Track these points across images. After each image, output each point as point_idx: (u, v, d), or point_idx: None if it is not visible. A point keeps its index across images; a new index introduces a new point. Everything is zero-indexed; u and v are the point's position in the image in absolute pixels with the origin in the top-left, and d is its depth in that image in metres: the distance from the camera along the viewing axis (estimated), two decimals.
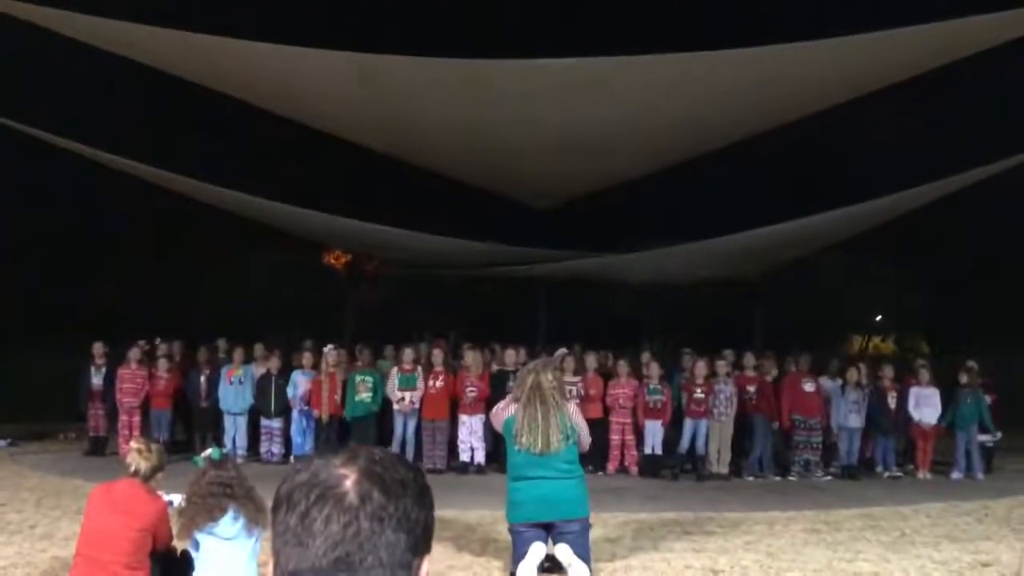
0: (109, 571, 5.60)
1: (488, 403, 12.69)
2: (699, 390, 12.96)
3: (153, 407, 13.60)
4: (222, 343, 14.94)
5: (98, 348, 13.93)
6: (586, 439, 7.56)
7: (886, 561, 7.83)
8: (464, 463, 12.99)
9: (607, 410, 13.04)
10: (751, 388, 13.28)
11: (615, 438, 13.01)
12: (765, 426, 13.26)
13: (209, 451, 6.11)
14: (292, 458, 13.18)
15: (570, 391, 12.35)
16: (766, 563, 7.72)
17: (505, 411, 7.52)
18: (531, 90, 12.76)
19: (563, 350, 14.33)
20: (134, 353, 13.67)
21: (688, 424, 12.95)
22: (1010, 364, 16.18)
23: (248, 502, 5.75)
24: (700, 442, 12.94)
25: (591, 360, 13.54)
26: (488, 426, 12.71)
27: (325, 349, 13.51)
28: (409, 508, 1.27)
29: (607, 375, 13.48)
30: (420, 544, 1.28)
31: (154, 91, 18.60)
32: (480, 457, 12.98)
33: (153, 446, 6.12)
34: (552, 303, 21.74)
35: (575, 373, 13.15)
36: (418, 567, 1.28)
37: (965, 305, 24.34)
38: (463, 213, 20.40)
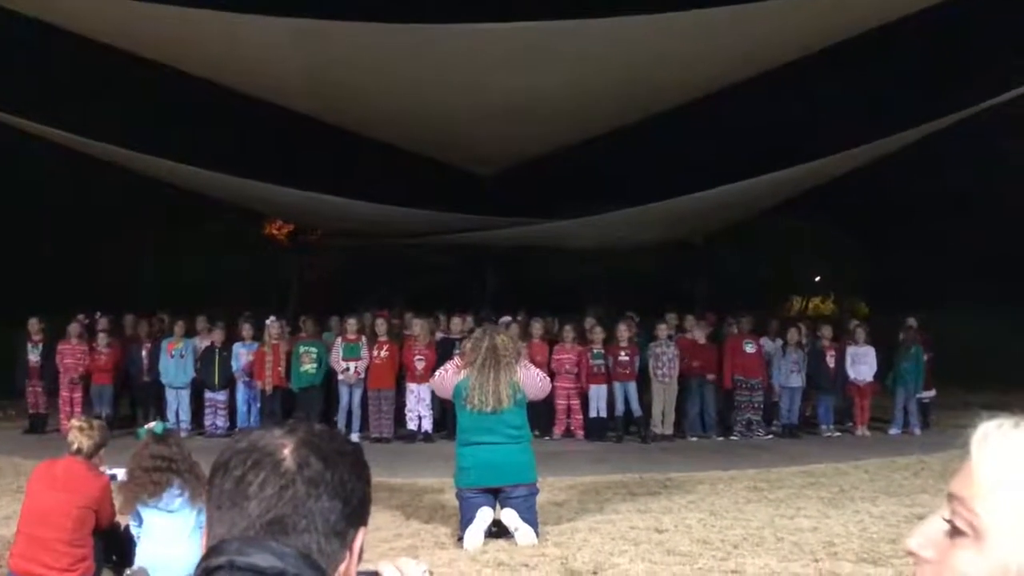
0: (51, 549, 5.55)
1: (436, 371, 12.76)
2: (623, 353, 13.11)
3: (94, 382, 13.42)
4: (165, 317, 14.77)
5: (34, 324, 13.65)
6: (542, 384, 7.76)
7: (826, 517, 8.01)
8: (411, 431, 13.01)
9: (552, 375, 13.13)
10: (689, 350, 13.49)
11: (561, 403, 13.11)
12: (703, 387, 13.47)
13: (152, 424, 6.07)
14: (237, 430, 13.11)
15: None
16: (709, 521, 7.85)
17: (456, 376, 7.56)
18: (473, 55, 12.69)
19: (507, 318, 14.40)
20: (74, 328, 13.46)
21: (617, 387, 13.11)
22: (943, 322, 16.52)
23: (191, 477, 5.73)
24: (634, 404, 13.12)
25: (537, 327, 13.61)
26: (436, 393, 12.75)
27: (267, 321, 13.41)
28: (346, 477, 1.28)
29: (552, 341, 13.57)
30: (356, 515, 1.29)
31: (83, 59, 18.17)
32: (427, 425, 13.01)
33: (95, 423, 6.06)
34: (497, 270, 21.75)
35: (520, 340, 13.20)
36: (353, 538, 1.29)
37: (900, 265, 24.78)
38: (406, 181, 20.26)
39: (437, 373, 8.00)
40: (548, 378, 8.23)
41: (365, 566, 1.36)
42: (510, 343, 7.70)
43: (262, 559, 1.18)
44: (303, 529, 1.23)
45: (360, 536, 1.30)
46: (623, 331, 13.27)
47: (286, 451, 1.26)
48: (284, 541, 1.21)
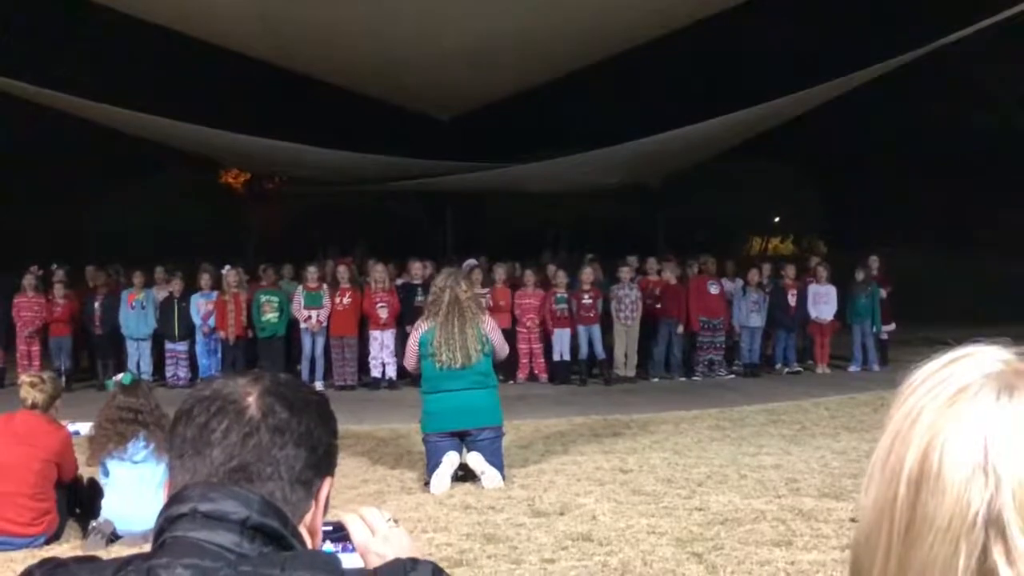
0: (14, 503, 5.50)
1: (399, 317, 12.78)
2: (586, 296, 13.15)
3: (52, 334, 13.26)
4: (119, 268, 14.57)
5: None
6: (501, 350, 7.67)
7: (788, 453, 8.11)
8: (375, 379, 12.99)
9: (515, 320, 13.17)
10: (655, 292, 13.54)
11: (523, 347, 13.16)
12: (667, 328, 13.54)
13: (120, 376, 6.02)
14: (198, 381, 13.06)
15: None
16: (673, 460, 7.93)
17: (419, 330, 7.51)
18: None
19: (472, 261, 14.36)
20: (28, 280, 13.26)
21: (581, 331, 13.15)
22: (900, 258, 16.72)
23: (157, 429, 5.69)
24: (598, 347, 13.18)
25: (500, 271, 13.60)
26: (399, 339, 12.71)
27: (223, 270, 13.28)
28: (312, 426, 1.25)
29: (515, 286, 13.58)
30: (322, 464, 1.26)
31: (36, 5, 17.76)
32: (391, 372, 12.99)
33: (45, 375, 6.00)
34: (458, 215, 21.66)
35: (483, 285, 13.21)
36: (319, 488, 1.26)
37: (858, 203, 25.00)
38: (365, 126, 20.05)
39: (407, 348, 7.83)
40: (506, 344, 8.12)
41: (329, 516, 1.34)
42: (472, 293, 7.62)
43: (227, 505, 1.15)
44: (268, 477, 1.20)
45: (326, 486, 1.28)
46: (587, 274, 13.29)
47: (250, 399, 1.23)
48: (248, 488, 1.18)
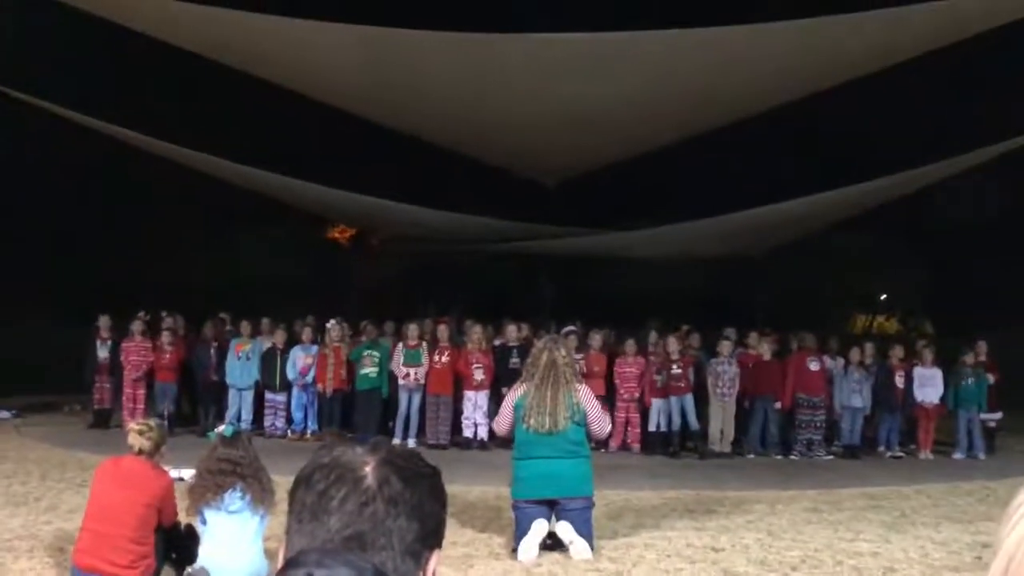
0: (115, 545, 5.64)
1: (494, 379, 12.82)
2: (675, 366, 12.98)
3: (158, 380, 13.59)
4: (226, 317, 14.97)
5: (104, 322, 13.97)
6: (599, 423, 7.55)
7: (887, 541, 7.86)
8: (467, 439, 13.01)
9: (612, 388, 13.09)
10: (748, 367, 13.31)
11: (620, 416, 13.04)
12: (763, 405, 13.28)
13: (222, 428, 6.17)
14: (290, 431, 13.27)
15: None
16: (767, 542, 7.74)
17: (515, 392, 7.52)
18: (538, 65, 12.73)
19: (571, 327, 14.37)
20: (136, 326, 13.69)
21: (673, 401, 12.94)
22: (1012, 343, 16.16)
23: (255, 482, 5.80)
24: (691, 418, 12.98)
25: (596, 338, 13.54)
26: (492, 401, 12.74)
27: (328, 324, 13.53)
28: (424, 499, 1.28)
29: (612, 353, 13.50)
30: (431, 537, 1.29)
31: (154, 62, 18.56)
32: (483, 433, 12.98)
33: (152, 423, 6.17)
34: (555, 279, 21.75)
35: (577, 351, 13.20)
36: (427, 560, 1.29)
37: (968, 284, 24.32)
38: (468, 188, 20.39)
39: (501, 410, 7.84)
40: (609, 423, 8.04)
41: None
42: (569, 359, 7.62)
43: (341, 572, 1.18)
44: (381, 547, 1.23)
45: (434, 559, 1.31)
46: (672, 344, 13.13)
47: (368, 468, 1.27)
48: (362, 557, 1.21)
